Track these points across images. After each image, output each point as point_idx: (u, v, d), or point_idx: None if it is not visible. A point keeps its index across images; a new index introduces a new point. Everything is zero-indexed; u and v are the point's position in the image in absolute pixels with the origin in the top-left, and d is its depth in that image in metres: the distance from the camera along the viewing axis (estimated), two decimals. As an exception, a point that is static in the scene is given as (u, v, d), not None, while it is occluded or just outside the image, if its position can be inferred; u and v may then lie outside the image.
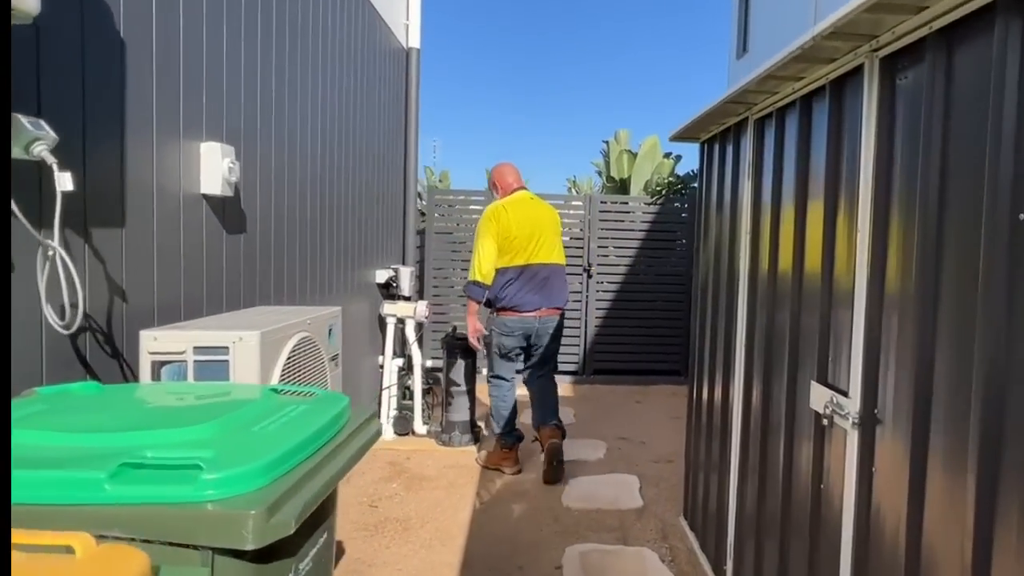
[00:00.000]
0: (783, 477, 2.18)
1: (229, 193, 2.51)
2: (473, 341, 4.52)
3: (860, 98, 1.74)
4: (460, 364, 4.86)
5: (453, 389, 4.87)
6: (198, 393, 1.49)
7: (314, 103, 3.64)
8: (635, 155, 8.03)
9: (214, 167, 2.41)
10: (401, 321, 5.10)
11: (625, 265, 6.99)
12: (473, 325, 4.46)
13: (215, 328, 1.89)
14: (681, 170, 7.51)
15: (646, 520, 3.63)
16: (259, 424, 1.29)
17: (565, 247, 7.07)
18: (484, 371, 4.71)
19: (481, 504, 3.83)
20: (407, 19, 5.83)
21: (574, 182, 8.79)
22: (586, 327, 7.04)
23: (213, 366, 1.81)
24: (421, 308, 5.01)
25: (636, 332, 7.02)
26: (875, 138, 1.67)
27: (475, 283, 4.24)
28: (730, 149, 2.96)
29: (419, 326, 5.18)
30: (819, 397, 1.84)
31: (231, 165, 2.44)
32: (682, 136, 3.31)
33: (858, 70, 1.76)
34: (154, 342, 1.82)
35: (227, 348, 1.82)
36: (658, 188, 6.98)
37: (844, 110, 1.88)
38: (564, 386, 6.78)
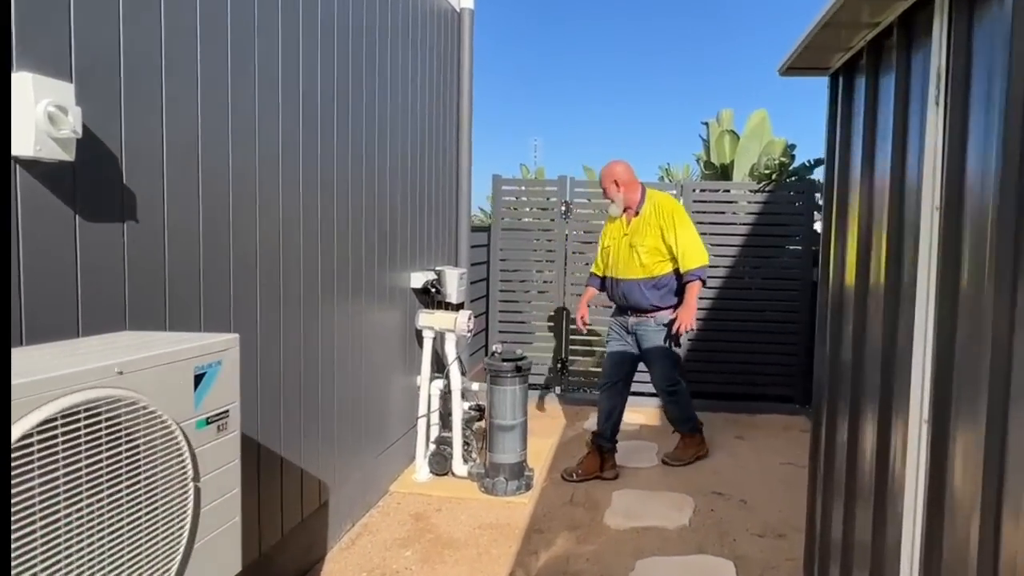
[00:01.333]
0: None
1: (62, 156, 1.57)
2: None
3: None
4: (508, 392, 3.80)
5: (498, 423, 3.82)
6: None
7: (292, 49, 2.70)
8: (738, 137, 6.67)
9: (27, 114, 1.48)
10: (441, 335, 4.11)
11: (725, 266, 5.67)
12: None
13: None
14: (796, 162, 6.08)
15: (745, 647, 2.43)
16: None
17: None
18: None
19: (512, 594, 2.76)
20: (458, -23, 4.84)
21: (667, 170, 7.50)
22: (677, 340, 5.78)
23: None
24: (462, 320, 3.99)
25: (738, 348, 5.69)
26: None
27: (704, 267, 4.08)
28: (888, 77, 1.74)
29: (461, 341, 4.16)
30: None
31: (53, 110, 1.50)
32: (799, 65, 2.09)
33: None
34: None
35: None
36: (767, 172, 5.62)
37: None
38: (647, 411, 5.56)
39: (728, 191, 5.83)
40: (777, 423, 5.31)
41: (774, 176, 5.60)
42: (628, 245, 4.07)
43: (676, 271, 4.05)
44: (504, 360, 3.80)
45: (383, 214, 3.63)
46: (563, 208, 5.88)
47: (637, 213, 4.08)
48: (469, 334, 4.07)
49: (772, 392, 5.69)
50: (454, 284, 4.43)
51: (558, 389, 6.00)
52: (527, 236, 6.07)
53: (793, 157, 5.62)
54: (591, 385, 5.98)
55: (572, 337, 5.98)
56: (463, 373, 4.69)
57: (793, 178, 5.92)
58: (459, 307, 4.73)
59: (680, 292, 4.07)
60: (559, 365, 5.96)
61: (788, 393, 5.67)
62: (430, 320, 4.05)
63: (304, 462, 2.90)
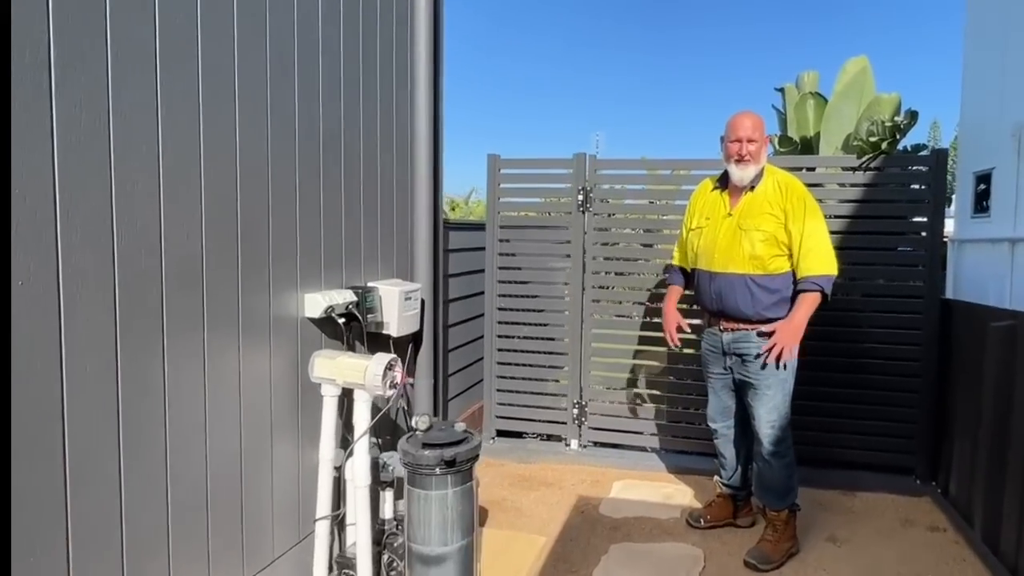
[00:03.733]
0: None
1: None
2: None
3: None
4: (433, 500, 2.19)
5: (418, 551, 2.21)
6: None
7: None
8: (825, 100, 4.83)
9: None
10: (349, 394, 2.54)
11: (810, 277, 3.88)
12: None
13: None
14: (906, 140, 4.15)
15: None
16: None
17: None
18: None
19: None
20: None
21: (728, 150, 5.73)
22: (740, 379, 4.04)
23: None
24: (375, 369, 2.41)
25: (829, 394, 3.87)
26: None
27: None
28: None
29: (378, 406, 2.59)
30: None
31: None
32: None
33: None
34: None
35: None
36: (872, 139, 3.79)
37: None
38: (694, 482, 3.80)
39: (812, 169, 4.02)
40: (890, 510, 3.49)
41: (884, 145, 3.76)
42: (736, 227, 2.94)
43: (793, 274, 2.93)
44: (427, 446, 2.19)
45: (225, 186, 2.09)
46: (580, 197, 4.22)
47: (752, 188, 2.96)
48: (390, 392, 2.48)
49: (880, 460, 3.86)
50: (394, 307, 2.89)
51: (574, 443, 4.34)
52: (535, 235, 4.43)
53: (914, 117, 3.75)
54: (621, 440, 4.29)
55: (595, 372, 4.31)
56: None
57: (914, 149, 4.05)
58: (411, 342, 3.17)
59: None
60: (576, 409, 4.31)
61: (905, 463, 3.83)
62: (329, 368, 2.48)
63: None
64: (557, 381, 4.34)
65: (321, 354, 2.52)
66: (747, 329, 2.94)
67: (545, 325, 4.38)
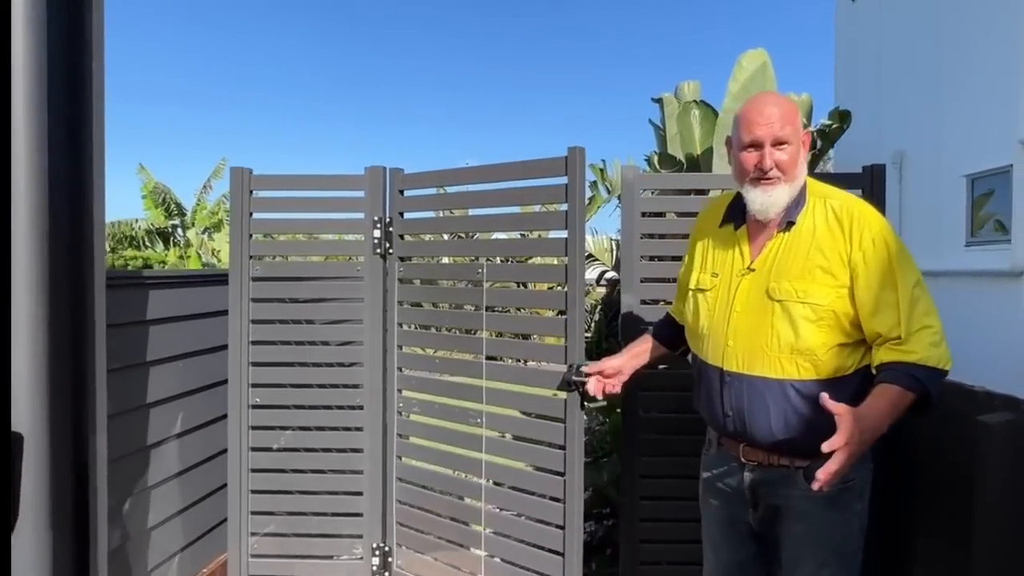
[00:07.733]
0: None
1: None
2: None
3: None
4: None
5: None
6: None
7: None
8: (715, 112, 3.77)
9: None
10: None
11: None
12: None
13: None
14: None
15: None
16: None
17: (542, 295, 2.92)
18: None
19: None
20: None
21: (602, 170, 4.53)
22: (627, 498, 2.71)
23: None
24: None
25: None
26: None
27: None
28: None
29: None
30: None
31: None
32: None
33: None
34: None
35: None
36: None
37: None
38: None
39: (705, 192, 2.84)
40: None
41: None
42: (762, 294, 1.69)
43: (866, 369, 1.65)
44: None
45: None
46: (377, 234, 2.80)
47: (787, 225, 1.70)
48: None
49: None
50: None
51: (372, 615, 2.80)
52: (311, 290, 2.93)
53: (844, 119, 2.65)
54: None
55: (405, 503, 2.83)
56: None
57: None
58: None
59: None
60: (378, 556, 2.79)
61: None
62: None
63: None
64: (347, 514, 2.81)
65: None
66: (787, 467, 1.70)
67: (328, 429, 2.86)
